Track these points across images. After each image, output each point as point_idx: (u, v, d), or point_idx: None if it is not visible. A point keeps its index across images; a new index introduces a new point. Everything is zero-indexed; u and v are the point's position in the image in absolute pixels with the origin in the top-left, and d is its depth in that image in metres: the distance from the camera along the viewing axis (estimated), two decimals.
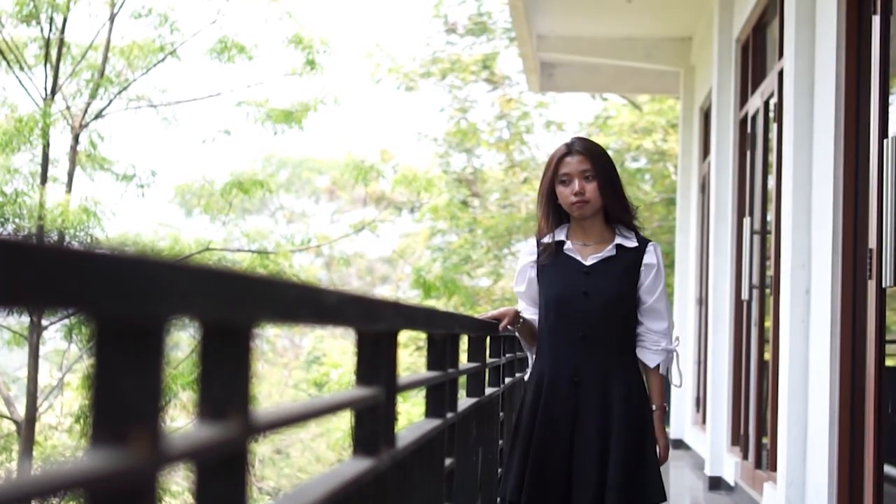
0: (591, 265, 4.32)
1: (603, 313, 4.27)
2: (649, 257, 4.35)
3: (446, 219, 20.35)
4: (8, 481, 0.84)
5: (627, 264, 4.32)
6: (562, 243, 4.38)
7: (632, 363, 4.34)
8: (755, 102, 8.66)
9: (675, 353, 4.47)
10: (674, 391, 11.77)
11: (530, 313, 4.45)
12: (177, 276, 1.04)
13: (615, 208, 4.33)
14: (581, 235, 4.37)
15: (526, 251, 4.50)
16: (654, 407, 4.35)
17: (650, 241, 4.42)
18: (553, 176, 4.32)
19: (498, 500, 4.76)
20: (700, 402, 11.86)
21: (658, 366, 4.39)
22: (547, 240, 4.40)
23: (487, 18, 22.73)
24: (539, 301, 4.41)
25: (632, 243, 4.35)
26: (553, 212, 4.39)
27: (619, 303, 4.30)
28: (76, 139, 14.62)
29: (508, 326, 4.37)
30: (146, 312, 1.01)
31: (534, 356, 4.44)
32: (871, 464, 5.25)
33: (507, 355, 5.54)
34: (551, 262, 4.36)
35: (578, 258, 4.33)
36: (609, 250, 4.33)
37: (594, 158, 4.28)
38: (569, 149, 4.31)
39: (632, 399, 4.26)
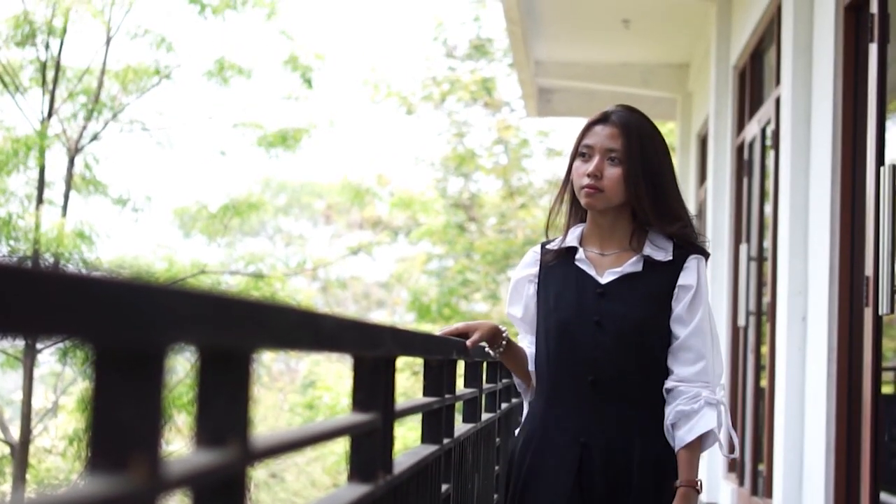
0: (607, 283, 3.23)
1: (620, 351, 3.17)
2: (687, 276, 3.21)
3: (443, 243, 20.37)
4: None
5: (657, 285, 3.22)
6: (573, 251, 3.31)
7: (657, 419, 3.19)
8: (752, 129, 8.68)
9: (724, 409, 3.20)
10: None
11: (529, 342, 3.38)
12: (177, 302, 1.03)
13: (646, 212, 3.21)
14: (597, 240, 3.29)
15: (526, 261, 3.42)
16: (677, 483, 3.14)
17: (693, 253, 3.24)
18: (576, 147, 3.27)
19: None
20: None
21: (704, 434, 3.13)
22: (555, 245, 3.35)
23: (487, 43, 22.81)
24: (537, 328, 3.33)
25: (664, 256, 3.23)
26: (574, 202, 3.32)
27: (643, 338, 3.19)
28: (72, 162, 14.62)
29: (485, 348, 3.27)
30: (146, 339, 1.01)
31: (529, 399, 3.42)
32: (868, 491, 5.24)
33: (504, 380, 5.53)
34: (556, 275, 3.30)
35: (592, 273, 3.25)
36: (633, 263, 3.23)
37: (630, 138, 3.18)
38: (604, 117, 3.25)
39: (661, 479, 3.16)
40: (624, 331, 3.17)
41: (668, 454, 3.15)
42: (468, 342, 3.16)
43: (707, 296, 3.24)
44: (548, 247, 3.35)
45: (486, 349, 3.26)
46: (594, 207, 3.21)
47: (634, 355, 3.18)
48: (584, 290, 3.24)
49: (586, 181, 3.18)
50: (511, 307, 3.40)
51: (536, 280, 3.33)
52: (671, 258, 3.22)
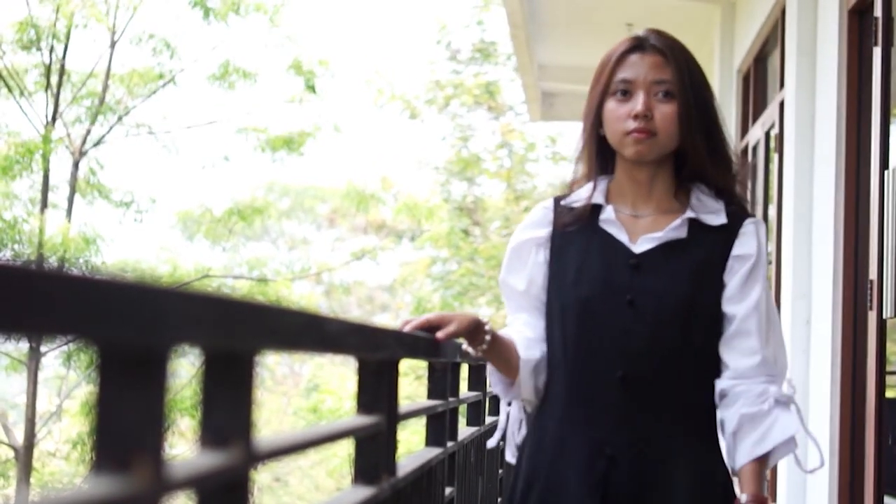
0: (642, 252, 2.51)
1: (659, 339, 2.46)
2: (745, 243, 2.51)
3: (447, 247, 20.35)
4: None
5: (706, 254, 2.50)
6: (597, 209, 2.57)
7: (707, 430, 2.52)
8: (756, 133, 8.67)
9: (796, 408, 2.53)
10: None
11: (525, 329, 2.60)
12: (180, 304, 1.04)
13: (702, 160, 2.51)
14: (628, 197, 2.57)
15: (534, 220, 2.64)
16: (743, 498, 2.42)
17: (750, 215, 2.55)
18: (606, 85, 2.55)
19: None
20: None
21: (778, 447, 2.46)
22: (575, 199, 2.60)
23: (491, 47, 22.82)
24: (549, 309, 2.58)
25: (716, 218, 2.52)
26: (599, 150, 2.59)
27: (688, 321, 2.47)
28: (76, 166, 14.64)
29: (463, 345, 2.51)
30: (149, 340, 1.01)
31: (512, 409, 2.71)
32: (872, 495, 5.23)
33: None
34: (575, 240, 2.56)
35: (623, 239, 2.53)
36: (676, 227, 2.51)
37: (679, 65, 2.54)
38: (639, 43, 2.60)
39: (706, 496, 2.47)
40: (664, 312, 2.46)
41: (719, 472, 2.50)
42: (439, 334, 2.41)
43: (766, 270, 2.55)
44: (564, 203, 2.61)
45: (465, 347, 2.50)
46: (644, 157, 2.49)
47: (677, 343, 2.47)
48: (612, 261, 2.52)
49: (633, 124, 2.47)
50: (509, 276, 2.63)
51: (548, 245, 2.59)
52: (725, 221, 2.52)
